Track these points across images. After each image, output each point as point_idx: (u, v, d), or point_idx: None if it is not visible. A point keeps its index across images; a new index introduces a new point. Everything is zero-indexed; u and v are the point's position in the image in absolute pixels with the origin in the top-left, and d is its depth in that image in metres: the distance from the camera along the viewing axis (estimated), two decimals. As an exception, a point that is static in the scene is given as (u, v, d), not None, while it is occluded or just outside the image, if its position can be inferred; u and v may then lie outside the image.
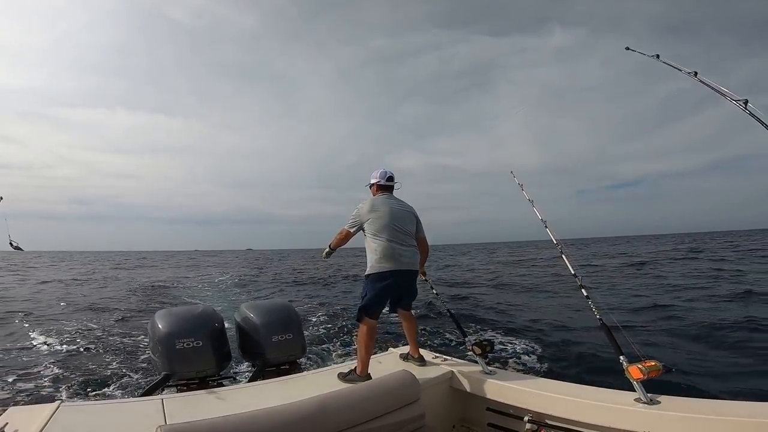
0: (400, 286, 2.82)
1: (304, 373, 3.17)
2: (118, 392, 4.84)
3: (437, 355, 3.14)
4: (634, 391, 2.08)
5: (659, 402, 2.02)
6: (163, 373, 3.04)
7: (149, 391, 2.98)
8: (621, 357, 2.16)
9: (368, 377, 2.67)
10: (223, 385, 3.05)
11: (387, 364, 2.98)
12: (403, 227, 2.84)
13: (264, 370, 3.32)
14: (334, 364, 3.31)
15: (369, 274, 2.79)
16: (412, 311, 3.09)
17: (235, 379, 3.58)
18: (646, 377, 2.03)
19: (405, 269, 2.76)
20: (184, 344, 3.01)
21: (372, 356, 2.83)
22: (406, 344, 3.20)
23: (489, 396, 2.59)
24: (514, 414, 2.49)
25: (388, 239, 2.75)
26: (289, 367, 3.42)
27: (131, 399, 3.05)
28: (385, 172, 3.02)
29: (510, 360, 5.79)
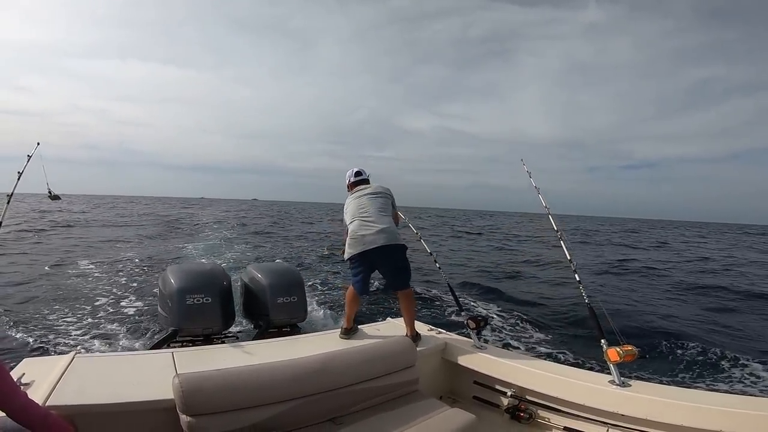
0: (373, 264, 2.93)
1: (306, 334, 3.30)
2: (128, 343, 5.05)
3: (432, 327, 3.29)
4: (611, 373, 2.23)
5: (630, 385, 2.18)
6: (171, 329, 3.13)
7: (157, 345, 3.08)
8: (603, 340, 2.32)
9: (353, 329, 3.06)
10: (227, 344, 3.16)
11: (384, 332, 3.14)
12: (367, 210, 2.98)
13: (266, 331, 3.42)
14: (334, 328, 3.48)
15: (347, 260, 3.05)
16: (410, 290, 3.05)
17: (237, 338, 3.74)
18: (621, 360, 2.18)
19: (369, 248, 2.84)
20: (194, 300, 3.10)
21: (372, 323, 3.05)
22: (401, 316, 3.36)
23: (477, 369, 2.74)
24: (499, 388, 2.64)
25: (353, 228, 2.95)
26: (290, 329, 3.53)
27: (143, 351, 3.17)
28: (353, 171, 3.30)
29: (501, 335, 6.05)
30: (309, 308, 3.78)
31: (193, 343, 3.16)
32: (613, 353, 2.20)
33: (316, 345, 2.86)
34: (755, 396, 2.02)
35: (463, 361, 2.83)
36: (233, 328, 3.71)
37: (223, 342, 3.25)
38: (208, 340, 3.24)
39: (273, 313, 3.41)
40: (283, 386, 1.92)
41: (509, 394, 2.58)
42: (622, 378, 2.20)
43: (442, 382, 3.00)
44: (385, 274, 2.98)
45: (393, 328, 3.31)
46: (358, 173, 3.29)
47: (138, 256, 12.16)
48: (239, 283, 3.89)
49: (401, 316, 3.63)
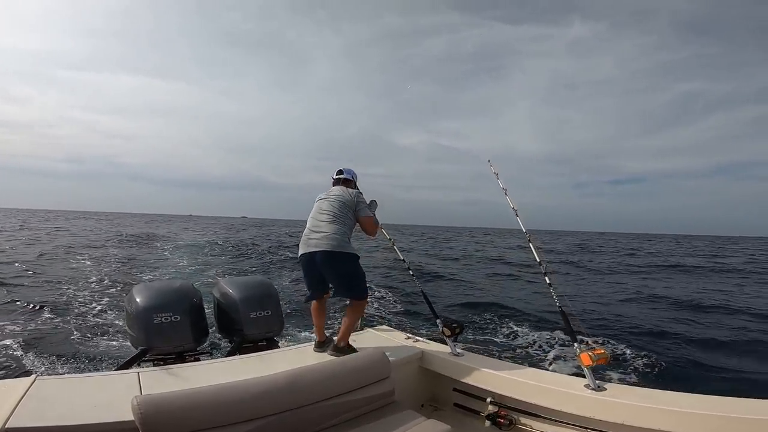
0: (313, 267, 2.93)
1: (281, 348, 3.26)
2: (93, 366, 4.85)
3: (410, 335, 3.27)
4: (585, 377, 2.23)
5: (605, 389, 2.18)
6: (140, 348, 3.05)
7: (125, 366, 2.99)
8: (575, 344, 2.34)
9: (327, 342, 3.03)
10: (201, 360, 3.10)
11: (362, 343, 3.11)
12: (322, 214, 2.97)
13: (241, 346, 3.36)
14: (309, 342, 3.42)
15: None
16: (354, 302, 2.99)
17: (211, 354, 3.62)
18: (594, 364, 2.19)
19: (310, 251, 2.89)
20: (162, 319, 3.02)
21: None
22: (381, 324, 3.33)
23: (456, 377, 2.72)
24: (478, 395, 2.63)
25: (306, 229, 2.99)
26: (266, 343, 3.46)
27: (107, 372, 3.09)
28: (336, 170, 3.32)
29: (477, 341, 6.07)
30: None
31: (164, 362, 3.07)
32: (585, 357, 2.21)
33: (290, 359, 2.80)
34: (734, 397, 2.04)
35: (441, 369, 2.82)
36: (207, 345, 3.61)
37: (196, 359, 3.17)
38: (180, 357, 3.15)
39: (247, 327, 3.35)
40: (251, 404, 1.86)
41: (489, 400, 2.57)
42: (597, 382, 2.21)
43: (423, 391, 2.98)
44: (329, 281, 2.97)
45: (372, 338, 3.27)
46: (339, 172, 3.27)
47: (105, 275, 11.73)
48: (211, 299, 3.81)
49: (382, 325, 3.60)
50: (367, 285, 3.04)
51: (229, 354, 3.27)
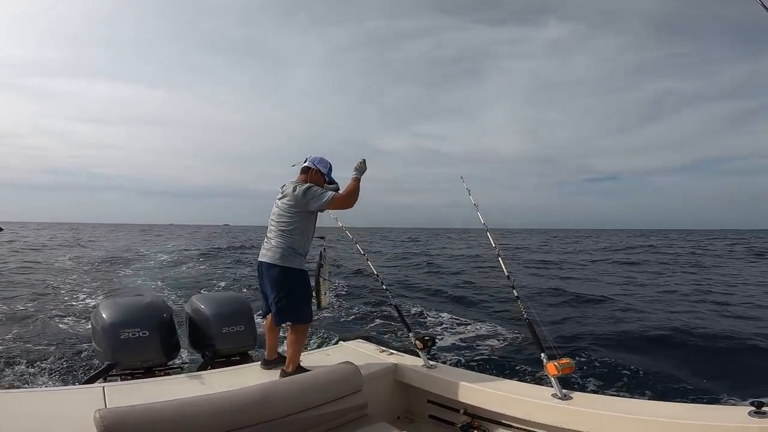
0: (262, 278, 2.78)
1: (254, 363, 3.22)
2: (58, 381, 4.68)
3: (383, 348, 3.28)
4: (552, 387, 2.27)
5: (572, 398, 2.23)
6: (106, 362, 3.02)
7: (90, 380, 2.95)
8: (542, 354, 2.38)
9: (275, 361, 2.87)
10: (171, 375, 3.06)
11: (335, 357, 3.10)
12: (270, 217, 2.80)
13: (213, 361, 3.35)
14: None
15: None
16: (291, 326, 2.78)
17: (182, 369, 3.57)
18: (560, 374, 2.24)
19: (259, 260, 2.76)
20: (129, 334, 3.00)
21: (322, 348, 2.96)
22: (356, 338, 3.34)
23: (429, 389, 2.74)
24: (452, 407, 2.64)
25: None
26: (240, 358, 3.45)
27: (71, 387, 3.01)
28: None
29: (450, 353, 6.11)
30: None
31: (132, 377, 3.04)
32: (551, 367, 2.25)
33: (261, 373, 2.77)
34: (698, 404, 2.11)
35: (415, 381, 2.83)
36: (179, 360, 3.61)
37: (166, 374, 3.13)
38: (149, 372, 3.12)
39: (219, 342, 3.33)
40: (219, 418, 1.83)
41: (462, 411, 2.59)
42: (563, 391, 2.25)
43: (398, 403, 2.98)
44: (268, 296, 2.76)
45: (345, 352, 3.26)
46: (305, 159, 2.87)
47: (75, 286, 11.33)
48: (184, 315, 3.78)
49: (357, 339, 3.58)
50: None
51: (200, 369, 3.23)
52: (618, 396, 2.37)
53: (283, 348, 2.92)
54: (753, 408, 1.80)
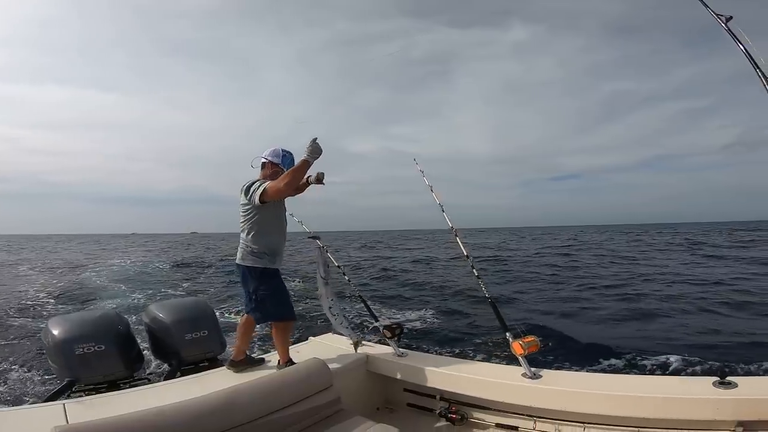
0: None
1: (222, 368, 3.17)
2: (16, 401, 4.42)
3: (353, 342, 3.27)
4: (522, 366, 2.32)
5: (541, 376, 2.28)
6: (66, 379, 2.94)
7: (52, 397, 2.84)
8: (507, 333, 2.42)
9: (241, 363, 2.84)
10: (136, 387, 2.97)
11: (305, 354, 3.07)
12: None
13: (180, 369, 3.28)
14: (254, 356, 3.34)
15: None
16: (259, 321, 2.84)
17: (149, 380, 3.49)
18: (526, 352, 2.28)
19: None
20: (84, 349, 2.92)
21: (291, 346, 2.93)
22: (324, 333, 3.33)
23: (404, 378, 2.75)
24: (428, 393, 2.67)
25: None
26: (208, 364, 3.39)
27: (32, 405, 2.88)
28: None
29: (421, 341, 6.22)
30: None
31: (97, 392, 2.93)
32: (517, 346, 2.30)
33: (229, 378, 2.70)
34: (666, 377, 2.21)
35: (388, 371, 2.84)
36: (144, 372, 3.54)
37: (132, 386, 3.03)
38: (114, 386, 3.03)
39: (183, 350, 3.27)
40: (183, 427, 1.77)
41: (438, 397, 2.62)
42: (533, 369, 2.30)
43: (376, 395, 2.99)
44: None
45: (314, 347, 3.23)
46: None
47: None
48: (142, 325, 3.68)
49: (327, 334, 3.55)
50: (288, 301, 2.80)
51: (167, 378, 3.16)
52: (583, 372, 2.46)
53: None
54: (717, 378, 1.90)
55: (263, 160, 2.78)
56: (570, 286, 11.67)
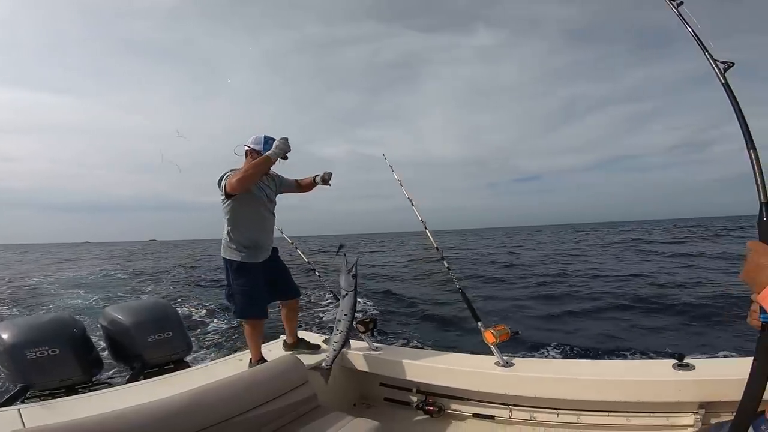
0: None
1: (190, 368, 3.08)
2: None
3: (328, 337, 3.24)
4: (494, 355, 2.35)
5: (513, 364, 2.32)
6: (20, 385, 2.80)
7: (6, 403, 2.68)
8: (479, 323, 2.46)
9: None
10: (96, 391, 2.83)
11: (277, 351, 3.00)
12: None
13: (143, 372, 3.17)
14: (223, 359, 3.24)
15: None
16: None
17: (110, 384, 3.34)
18: (498, 341, 2.32)
19: None
20: (37, 354, 2.78)
21: (263, 345, 2.90)
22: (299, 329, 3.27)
23: (379, 372, 2.73)
24: (404, 387, 2.67)
25: None
26: (174, 366, 3.29)
27: None
28: None
29: (394, 335, 6.26)
30: None
31: (54, 397, 2.81)
32: (489, 335, 2.33)
33: (196, 379, 2.60)
34: (628, 360, 2.30)
35: (363, 366, 2.81)
36: (104, 375, 3.40)
37: (91, 390, 2.92)
38: (72, 391, 2.89)
39: (147, 352, 3.17)
40: (146, 430, 1.69)
41: (414, 390, 2.62)
42: (505, 357, 2.33)
43: (352, 390, 2.97)
44: None
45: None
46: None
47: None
48: (99, 328, 3.52)
49: (297, 330, 3.50)
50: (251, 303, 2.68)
51: (130, 381, 3.03)
52: (552, 359, 2.53)
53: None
54: (675, 360, 1.98)
55: (245, 147, 2.71)
56: (507, 284, 12.18)
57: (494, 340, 2.33)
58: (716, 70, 1.20)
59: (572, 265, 15.97)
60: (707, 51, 1.23)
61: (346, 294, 2.46)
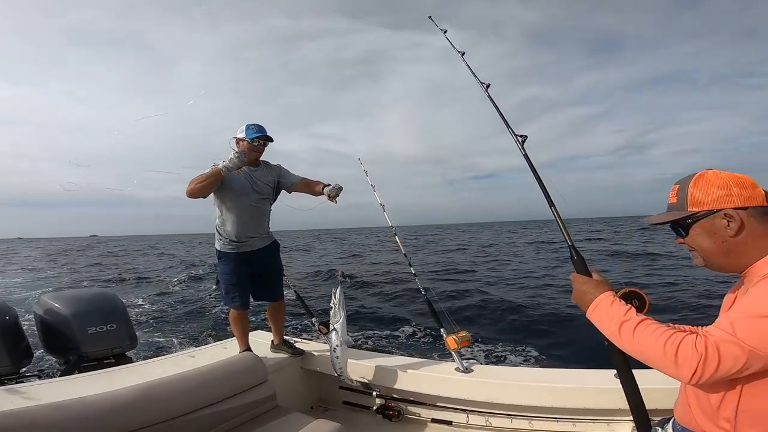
0: None
1: (134, 363, 2.88)
2: None
3: (288, 337, 3.16)
4: (455, 361, 2.39)
5: (473, 370, 2.37)
6: None
7: None
8: (441, 329, 2.50)
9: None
10: (24, 383, 2.60)
11: (232, 349, 2.89)
12: None
13: (80, 366, 2.96)
14: (175, 353, 3.09)
15: None
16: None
17: (40, 377, 3.09)
18: (459, 347, 2.37)
19: None
20: None
21: (217, 342, 2.88)
22: (255, 329, 3.18)
23: None
24: (365, 390, 2.63)
25: None
26: (115, 360, 3.08)
27: None
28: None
29: (357, 338, 6.21)
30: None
31: None
32: (451, 341, 2.37)
33: (142, 374, 2.45)
34: (570, 369, 2.40)
35: (323, 368, 2.75)
36: (34, 367, 3.20)
37: (18, 382, 2.72)
38: None
39: (85, 345, 2.96)
40: (87, 424, 1.58)
41: (375, 394, 2.60)
42: (465, 364, 2.38)
43: (310, 392, 2.91)
44: None
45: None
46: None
47: None
48: (33, 317, 3.28)
49: (256, 330, 3.40)
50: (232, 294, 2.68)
51: (64, 374, 2.83)
52: (511, 366, 2.61)
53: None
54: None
55: (233, 138, 2.69)
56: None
57: (456, 347, 2.37)
58: (518, 144, 1.59)
59: (492, 263, 16.51)
60: (510, 127, 1.63)
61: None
